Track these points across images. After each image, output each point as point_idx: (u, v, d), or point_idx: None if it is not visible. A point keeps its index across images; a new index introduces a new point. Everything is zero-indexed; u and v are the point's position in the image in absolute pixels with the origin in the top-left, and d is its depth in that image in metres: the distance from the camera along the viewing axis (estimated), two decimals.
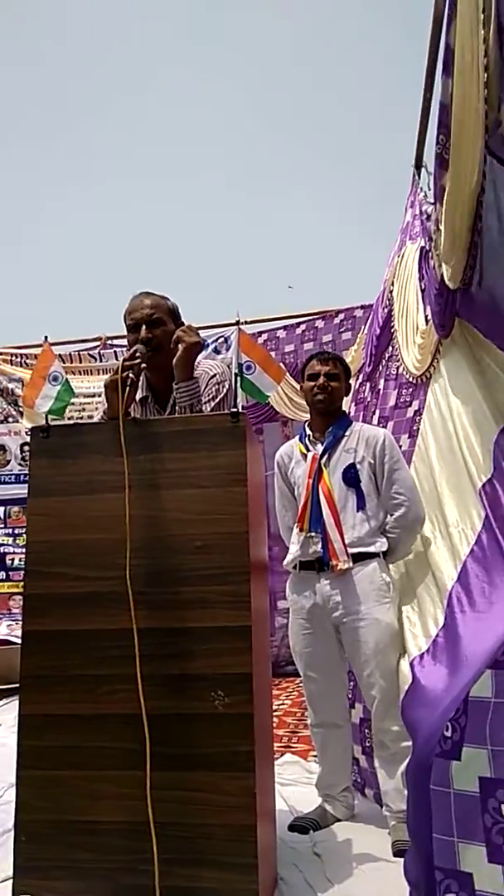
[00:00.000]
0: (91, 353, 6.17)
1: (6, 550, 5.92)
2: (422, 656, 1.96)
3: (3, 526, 5.98)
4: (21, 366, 6.18)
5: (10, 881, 1.72)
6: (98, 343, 6.32)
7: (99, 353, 6.14)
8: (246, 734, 1.69)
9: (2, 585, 5.87)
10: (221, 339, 5.37)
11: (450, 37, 1.97)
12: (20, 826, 1.74)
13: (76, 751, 1.75)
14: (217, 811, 1.66)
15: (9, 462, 6.04)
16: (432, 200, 3.00)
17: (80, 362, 6.12)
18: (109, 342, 6.22)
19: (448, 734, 1.25)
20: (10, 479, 5.98)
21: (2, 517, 5.99)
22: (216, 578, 1.77)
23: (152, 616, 1.76)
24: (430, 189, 3.60)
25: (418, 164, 3.74)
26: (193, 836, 1.65)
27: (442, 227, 2.39)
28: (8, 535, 5.95)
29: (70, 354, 6.16)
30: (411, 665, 1.99)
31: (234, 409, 1.89)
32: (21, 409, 6.05)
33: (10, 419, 6.13)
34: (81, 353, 6.18)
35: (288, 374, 5.62)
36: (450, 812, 1.21)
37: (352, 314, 5.77)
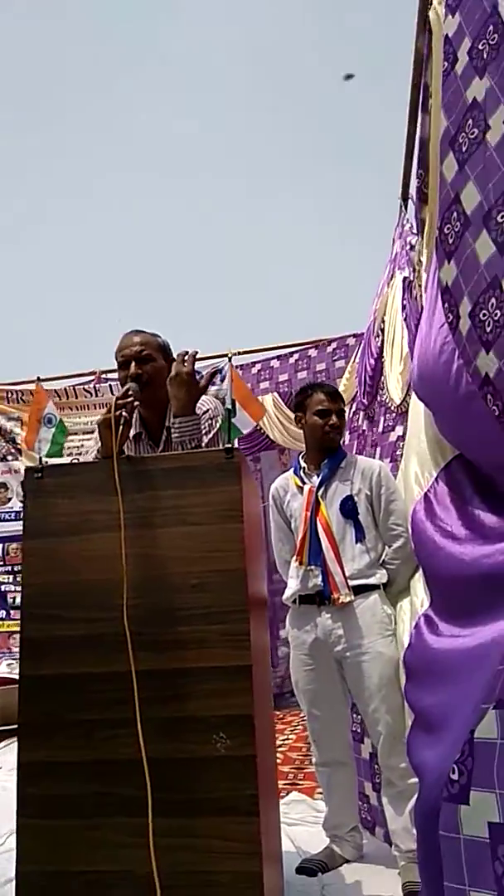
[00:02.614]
0: (86, 387, 6.19)
1: (7, 589, 5.87)
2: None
3: (2, 564, 5.93)
4: (17, 402, 6.18)
5: None
6: (93, 377, 6.35)
7: (94, 387, 6.16)
8: (249, 777, 1.65)
9: (2, 624, 5.81)
10: (215, 371, 5.43)
11: (427, 76, 2.01)
12: (21, 878, 1.69)
13: (76, 799, 1.71)
14: (222, 858, 1.61)
15: (10, 500, 6.02)
16: (416, 232, 3.04)
17: (76, 397, 6.14)
18: (104, 376, 6.24)
19: (455, 777, 1.22)
20: (10, 516, 5.96)
21: (0, 555, 5.95)
22: (214, 617, 1.74)
23: (150, 658, 1.73)
24: (414, 220, 3.66)
25: (405, 196, 3.79)
26: (198, 884, 1.61)
27: (423, 259, 2.41)
28: (8, 572, 5.91)
29: (66, 390, 6.17)
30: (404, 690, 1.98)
31: (229, 445, 1.88)
32: (20, 447, 6.05)
33: (10, 457, 6.12)
34: (77, 388, 6.20)
35: (283, 403, 5.64)
36: (460, 859, 1.17)
37: (344, 342, 5.82)
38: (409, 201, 3.65)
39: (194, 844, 1.63)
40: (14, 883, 1.71)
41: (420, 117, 2.22)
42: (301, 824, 2.72)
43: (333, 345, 5.93)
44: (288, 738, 4.37)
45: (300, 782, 3.36)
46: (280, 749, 4.11)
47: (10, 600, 5.84)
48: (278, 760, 3.81)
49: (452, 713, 1.49)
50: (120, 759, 1.68)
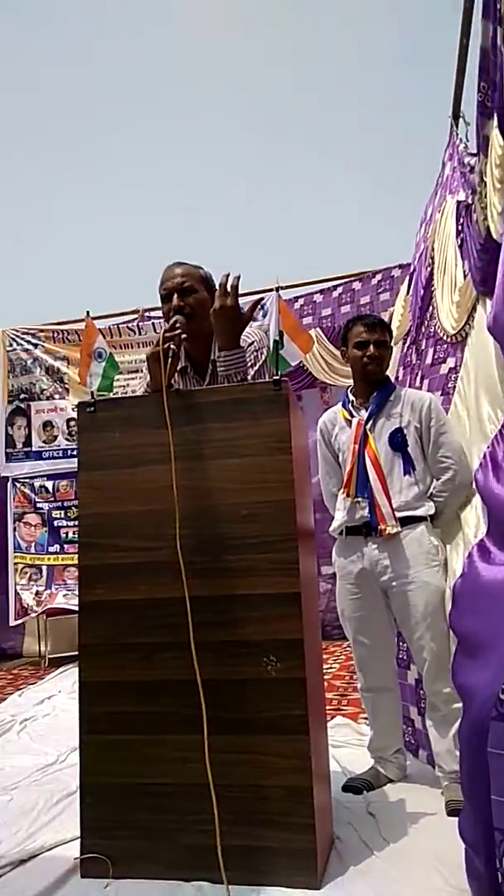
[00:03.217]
0: (130, 325, 6.19)
1: (59, 524, 6.05)
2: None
3: (53, 500, 6.10)
4: (63, 342, 6.24)
5: (79, 841, 1.80)
6: (136, 315, 6.34)
7: (137, 325, 6.16)
8: (299, 698, 1.72)
9: (57, 557, 6.01)
10: (258, 302, 5.34)
11: None
12: (85, 789, 1.81)
13: (134, 716, 1.80)
14: (273, 773, 1.69)
15: (56, 438, 6.14)
16: (474, 151, 2.88)
17: (120, 336, 6.15)
18: (147, 314, 6.23)
19: None
20: (57, 454, 6.09)
21: (51, 491, 6.11)
22: (264, 546, 1.78)
23: (202, 584, 1.78)
24: (468, 140, 3.47)
25: (456, 115, 3.60)
26: (251, 797, 1.69)
27: (487, 179, 2.29)
28: (59, 508, 6.07)
29: (110, 328, 6.19)
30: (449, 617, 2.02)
31: (276, 377, 1.88)
32: (67, 386, 6.13)
33: (57, 396, 6.22)
34: (121, 326, 6.21)
35: (326, 339, 5.57)
36: None
37: (389, 274, 5.68)
38: (462, 119, 3.47)
39: (248, 760, 1.71)
40: (75, 795, 1.83)
41: (482, 25, 2.07)
42: (346, 746, 2.82)
43: (378, 276, 5.79)
44: (332, 667, 4.49)
45: (344, 708, 3.47)
46: (324, 678, 4.23)
47: (62, 535, 6.02)
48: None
49: (499, 637, 1.51)
50: (176, 679, 1.76)
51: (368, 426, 2.40)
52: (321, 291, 6.03)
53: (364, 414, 2.43)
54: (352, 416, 2.46)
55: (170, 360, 1.89)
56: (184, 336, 1.96)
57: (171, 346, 1.90)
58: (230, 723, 1.72)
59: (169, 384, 1.92)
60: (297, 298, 6.06)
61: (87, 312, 6.00)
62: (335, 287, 5.96)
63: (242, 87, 9.49)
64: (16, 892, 1.73)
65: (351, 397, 2.52)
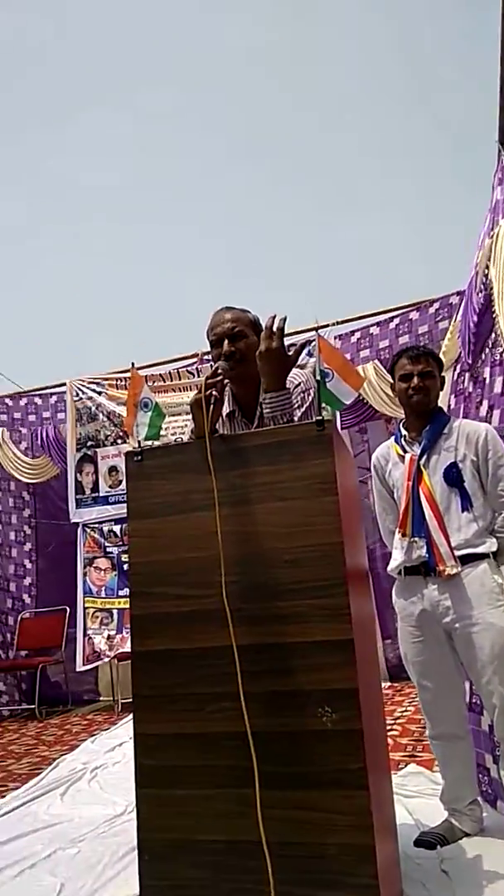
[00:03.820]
0: (189, 369, 6.30)
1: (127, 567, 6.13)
2: None
3: (122, 543, 6.18)
4: (125, 389, 6.40)
5: None
6: (195, 359, 6.45)
7: (196, 368, 6.26)
8: (356, 750, 1.64)
9: (127, 601, 6.05)
10: (306, 343, 5.35)
11: None
12: (142, 845, 1.78)
13: (188, 770, 1.76)
14: (331, 830, 1.62)
15: (121, 482, 6.26)
16: None
17: (180, 379, 6.27)
18: (205, 357, 6.33)
19: None
20: (123, 498, 6.19)
21: (119, 535, 6.20)
22: (312, 592, 1.73)
23: (252, 632, 1.74)
24: None
25: (503, 139, 3.54)
26: (308, 855, 1.62)
27: None
28: (126, 551, 6.16)
29: (169, 373, 6.32)
30: None
31: (320, 418, 1.85)
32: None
33: (120, 440, 6.37)
34: (180, 370, 6.32)
35: (385, 370, 5.50)
36: None
37: (447, 302, 5.57)
38: None
39: (304, 816, 1.64)
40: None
41: None
42: (419, 796, 2.69)
43: (436, 305, 5.69)
44: (406, 710, 4.33)
45: (419, 754, 3.32)
46: (398, 721, 4.08)
47: None
48: (396, 732, 3.79)
49: None
50: (228, 731, 1.71)
51: (422, 462, 2.34)
52: (378, 324, 5.97)
53: (417, 449, 2.37)
54: (404, 451, 2.40)
55: (212, 406, 1.89)
56: (226, 382, 1.97)
57: (213, 393, 1.91)
58: (284, 777, 1.66)
59: (213, 430, 1.93)
60: (353, 332, 6.02)
61: (133, 364, 6.14)
62: (392, 318, 5.90)
63: (301, 109, 9.62)
64: None
65: (403, 431, 2.46)
